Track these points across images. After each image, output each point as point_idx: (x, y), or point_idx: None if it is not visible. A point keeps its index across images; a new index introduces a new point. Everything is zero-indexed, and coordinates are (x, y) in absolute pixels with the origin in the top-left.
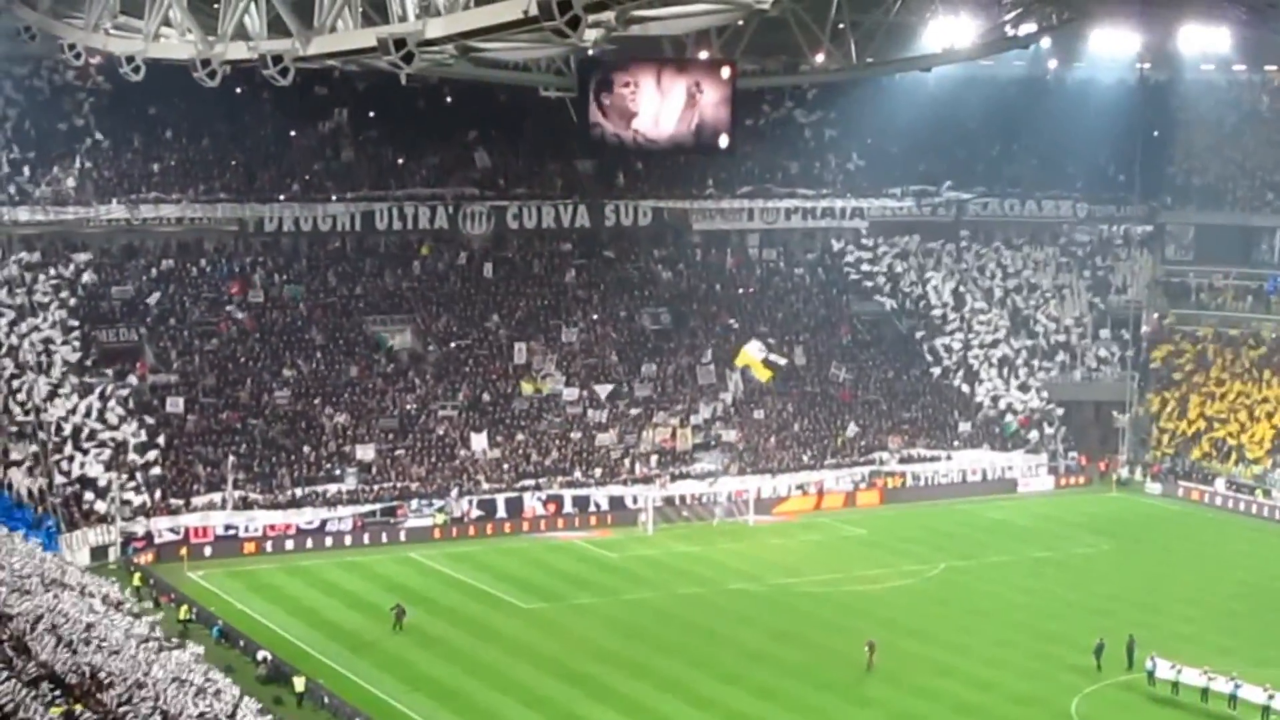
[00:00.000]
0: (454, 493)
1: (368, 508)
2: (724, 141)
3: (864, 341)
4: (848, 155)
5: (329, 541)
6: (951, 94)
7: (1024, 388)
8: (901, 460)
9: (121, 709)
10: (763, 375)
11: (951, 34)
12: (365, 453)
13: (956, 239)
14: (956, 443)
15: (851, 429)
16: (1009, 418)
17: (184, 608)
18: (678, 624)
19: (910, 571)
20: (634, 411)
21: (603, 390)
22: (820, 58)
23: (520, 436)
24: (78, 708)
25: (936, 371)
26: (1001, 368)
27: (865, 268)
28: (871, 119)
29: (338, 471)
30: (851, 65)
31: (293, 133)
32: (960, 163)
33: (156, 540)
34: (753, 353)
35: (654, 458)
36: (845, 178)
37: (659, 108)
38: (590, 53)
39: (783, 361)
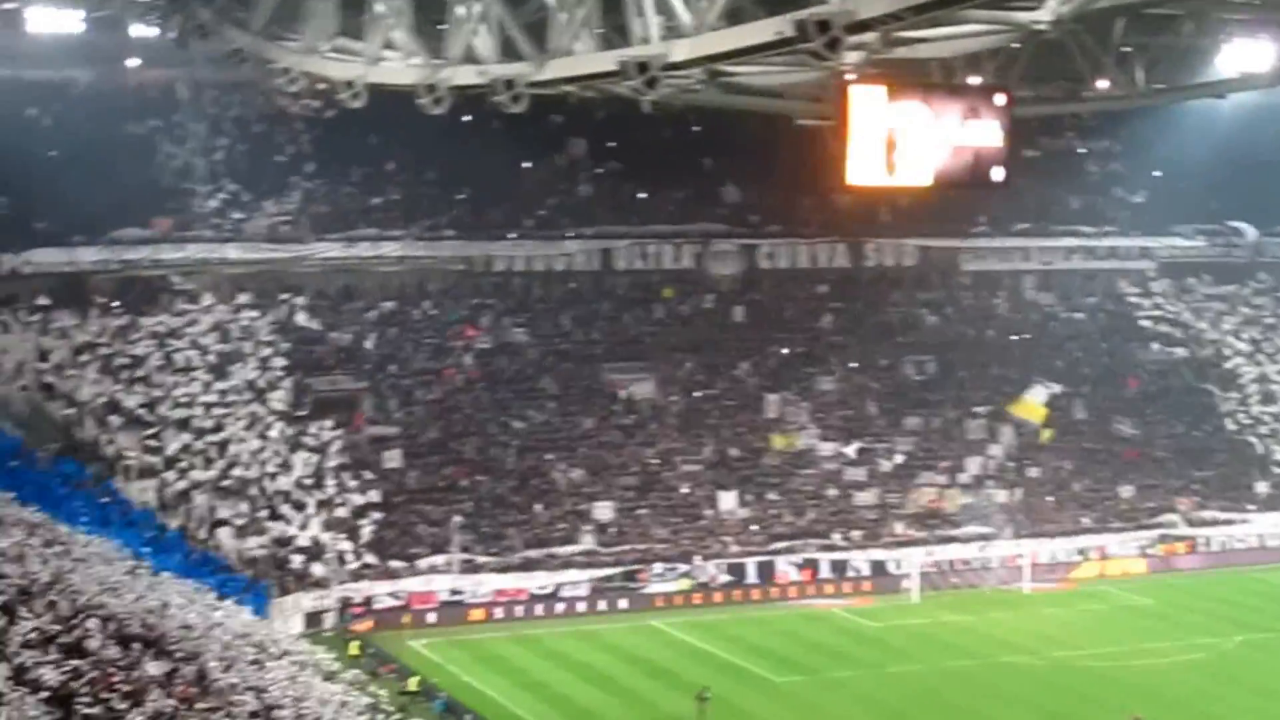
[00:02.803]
0: (697, 557)
1: (605, 572)
2: (998, 175)
3: (1151, 394)
4: (1133, 189)
5: (561, 608)
6: (1248, 123)
7: None
8: (1192, 524)
9: None
10: (1038, 417)
11: (1249, 58)
12: (602, 512)
13: (1253, 281)
14: (1253, 505)
15: (1127, 490)
16: None
17: (413, 680)
18: (945, 701)
19: (1201, 645)
20: (896, 469)
21: (862, 445)
22: (1103, 84)
23: (772, 495)
24: None
25: (1231, 427)
26: None
27: (1152, 312)
28: (1159, 150)
29: (572, 532)
30: (1138, 92)
31: (525, 165)
32: (1257, 198)
33: (375, 606)
34: (1036, 399)
35: (918, 519)
36: (1130, 214)
37: (927, 141)
38: (850, 78)
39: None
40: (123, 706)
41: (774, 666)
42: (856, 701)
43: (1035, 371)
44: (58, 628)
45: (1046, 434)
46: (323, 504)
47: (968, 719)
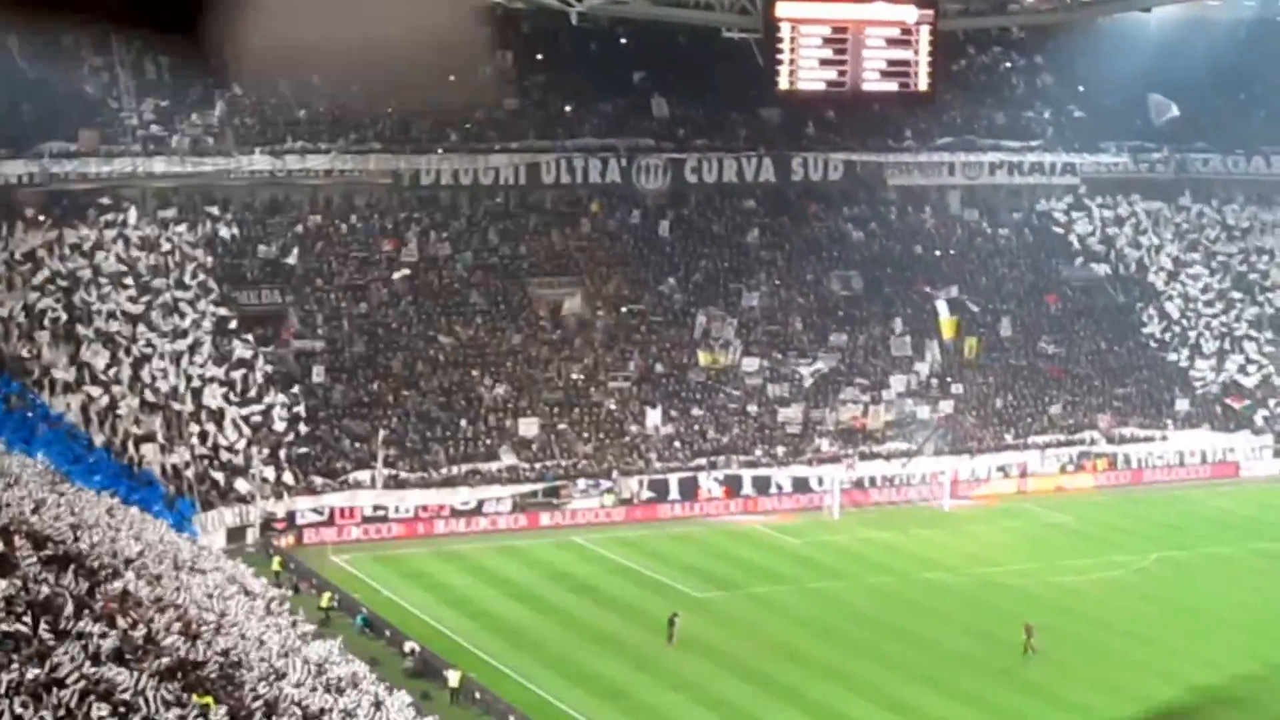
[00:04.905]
0: (614, 473)
1: (528, 488)
2: (924, 88)
3: (1074, 311)
4: (1059, 106)
5: (484, 524)
6: (1174, 39)
7: (1249, 362)
8: (1112, 441)
9: (254, 704)
10: (950, 329)
11: None
12: (527, 428)
13: (1177, 198)
14: (1173, 422)
15: (1056, 408)
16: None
17: (326, 595)
18: (865, 617)
19: (1119, 563)
20: (820, 385)
21: (786, 361)
22: None
23: (696, 411)
24: (209, 701)
25: (1153, 344)
26: (1225, 340)
27: (1076, 229)
28: (1085, 66)
29: (496, 448)
30: (1064, 6)
31: (452, 78)
32: (1182, 115)
33: (299, 521)
34: (944, 314)
35: (841, 435)
36: (1055, 130)
37: (854, 50)
38: None
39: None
40: (44, 623)
41: (695, 581)
42: (778, 616)
43: (962, 289)
44: None
45: (970, 349)
46: (247, 419)
47: (889, 635)
